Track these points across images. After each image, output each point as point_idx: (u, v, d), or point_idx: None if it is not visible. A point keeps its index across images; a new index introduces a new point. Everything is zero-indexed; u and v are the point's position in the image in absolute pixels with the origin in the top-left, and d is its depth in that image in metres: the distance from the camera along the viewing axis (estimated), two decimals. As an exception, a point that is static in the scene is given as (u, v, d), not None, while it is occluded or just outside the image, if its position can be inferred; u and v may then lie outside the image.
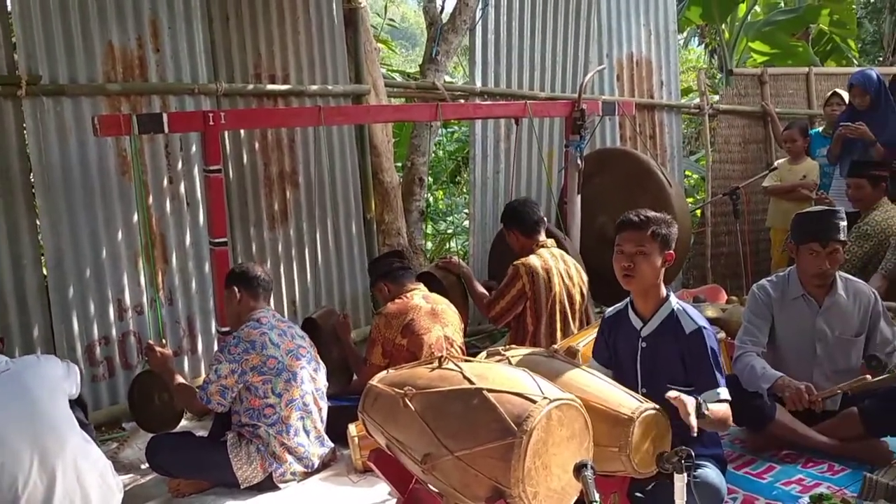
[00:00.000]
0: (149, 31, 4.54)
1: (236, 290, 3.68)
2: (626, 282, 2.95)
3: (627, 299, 3.06)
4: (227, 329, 3.99)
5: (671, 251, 2.94)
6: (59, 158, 4.24)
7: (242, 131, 4.95)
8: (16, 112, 4.12)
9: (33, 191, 4.23)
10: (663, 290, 2.98)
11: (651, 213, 2.95)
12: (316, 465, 3.61)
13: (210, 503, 3.38)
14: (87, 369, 4.34)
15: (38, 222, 4.29)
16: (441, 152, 9.63)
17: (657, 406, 2.61)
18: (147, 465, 3.64)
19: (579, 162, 5.35)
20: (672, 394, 2.59)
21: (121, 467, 3.68)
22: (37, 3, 4.10)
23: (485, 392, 2.50)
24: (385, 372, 2.97)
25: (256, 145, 5.08)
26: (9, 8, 4.07)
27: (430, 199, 8.75)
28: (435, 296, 4.20)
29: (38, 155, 4.18)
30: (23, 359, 3.33)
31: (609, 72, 6.80)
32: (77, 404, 3.28)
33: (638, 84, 7.09)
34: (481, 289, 4.59)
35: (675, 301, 2.98)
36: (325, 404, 3.73)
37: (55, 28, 4.19)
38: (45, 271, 4.33)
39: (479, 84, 6.11)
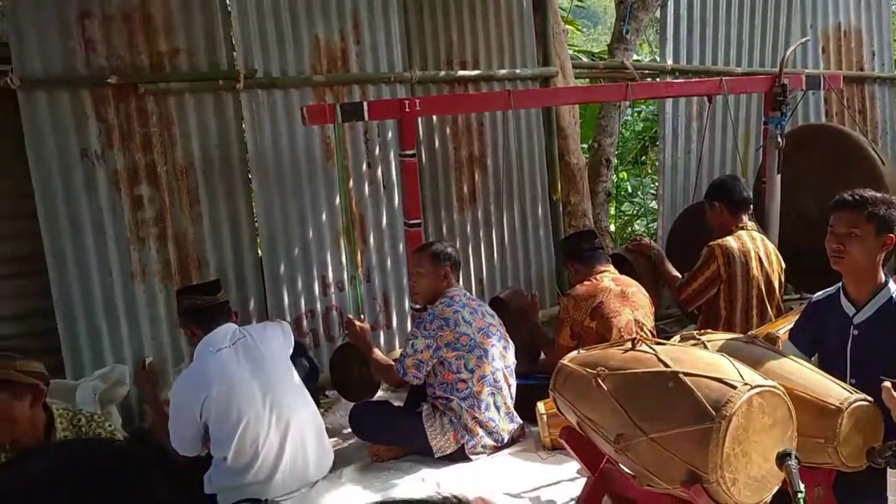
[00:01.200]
0: (350, 24, 4.81)
1: (435, 266, 3.80)
2: (835, 263, 2.80)
3: (839, 284, 2.90)
4: (419, 306, 4.18)
5: (892, 234, 2.75)
6: (271, 146, 4.61)
7: (435, 117, 5.13)
8: (235, 104, 4.52)
9: (249, 177, 4.63)
10: (881, 276, 2.80)
11: (869, 193, 2.77)
12: (505, 440, 3.72)
13: (407, 469, 3.58)
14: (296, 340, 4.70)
15: (253, 206, 4.69)
16: (627, 132, 9.45)
17: (868, 398, 2.47)
18: (349, 430, 3.91)
19: (780, 140, 5.08)
20: (888, 384, 2.44)
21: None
22: (252, 3, 4.47)
23: (681, 375, 2.48)
24: (576, 352, 3.01)
25: (448, 130, 5.25)
26: (229, 8, 4.46)
27: (616, 180, 8.61)
28: (625, 278, 4.17)
29: (254, 143, 4.57)
30: (252, 327, 3.69)
31: (813, 44, 6.39)
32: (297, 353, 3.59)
33: (846, 55, 6.60)
34: (674, 271, 4.50)
35: (894, 287, 2.79)
36: (514, 381, 3.83)
37: (269, 25, 4.54)
38: (259, 250, 4.73)
39: (669, 61, 5.95)
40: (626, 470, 2.73)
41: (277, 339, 3.52)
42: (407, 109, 4.25)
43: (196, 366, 3.35)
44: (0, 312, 4.04)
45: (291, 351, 3.56)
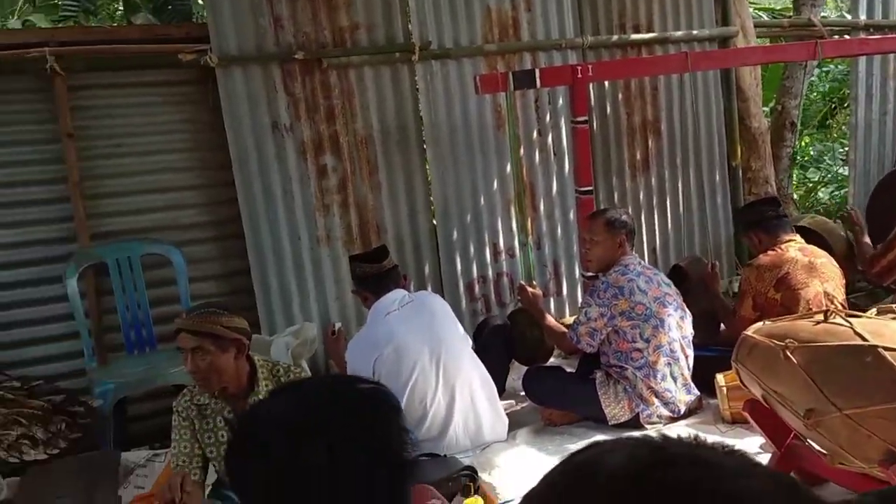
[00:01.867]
0: (522, -9, 4.81)
1: (610, 234, 3.76)
2: None
3: None
4: (591, 274, 4.16)
5: None
6: (444, 116, 4.72)
7: (606, 82, 5.04)
8: (410, 76, 4.65)
9: (424, 146, 4.77)
10: None
11: None
12: (682, 411, 3.65)
13: (580, 434, 3.60)
14: (468, 304, 4.83)
15: (428, 174, 4.83)
16: (813, 94, 8.85)
17: None
18: (523, 393, 3.98)
19: None
20: None
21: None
22: (427, -24, 4.56)
23: (880, 350, 2.35)
24: (760, 323, 2.91)
25: (620, 95, 5.15)
26: (403, -18, 4.58)
27: (799, 145, 8.10)
28: (813, 248, 3.95)
29: (428, 113, 4.69)
30: (420, 292, 3.84)
31: None
32: None
33: None
34: (869, 242, 4.21)
35: None
36: (691, 352, 3.75)
37: (442, -3, 4.63)
38: (433, 218, 4.87)
39: (862, 17, 5.50)
40: (816, 447, 2.63)
41: (442, 304, 3.64)
42: (579, 75, 4.21)
43: (367, 329, 3.55)
44: (206, 272, 4.42)
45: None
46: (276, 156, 4.37)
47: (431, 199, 4.86)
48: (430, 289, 4.62)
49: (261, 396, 2.66)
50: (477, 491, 3.15)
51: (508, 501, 3.08)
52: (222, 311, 2.67)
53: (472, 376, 3.47)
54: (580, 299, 4.93)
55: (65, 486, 3.05)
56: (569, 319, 4.33)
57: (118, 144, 4.26)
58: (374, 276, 3.53)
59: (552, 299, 5.06)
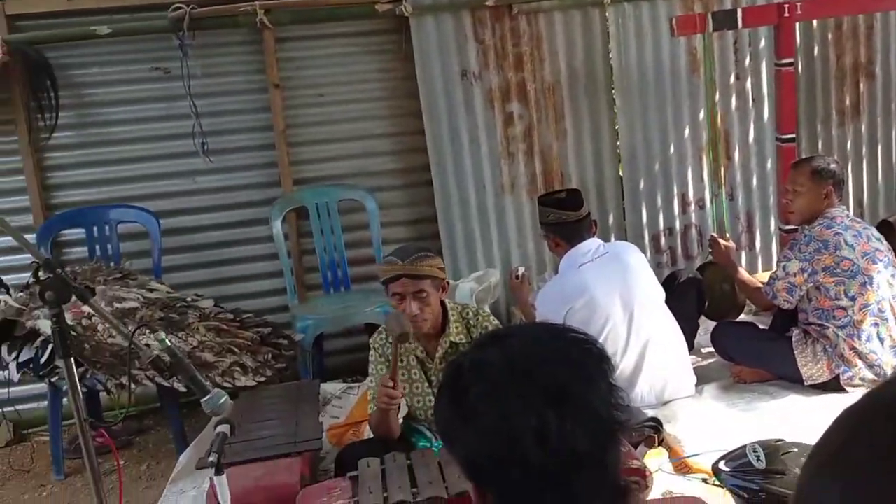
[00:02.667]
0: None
1: (815, 184, 3.51)
2: None
3: None
4: (789, 227, 3.93)
5: None
6: (635, 61, 4.57)
7: (815, 21, 4.67)
8: (601, 20, 4.54)
9: (612, 93, 4.65)
10: None
11: None
12: (888, 374, 3.41)
13: (773, 393, 3.46)
14: (653, 257, 4.71)
15: (615, 121, 4.72)
16: None
17: None
18: (711, 349, 3.87)
19: None
20: None
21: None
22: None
23: None
24: None
25: (829, 36, 4.75)
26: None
27: None
28: None
29: (618, 59, 4.56)
30: (615, 243, 3.78)
31: None
32: None
33: None
34: None
35: None
36: (903, 313, 3.47)
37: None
38: (619, 167, 4.77)
39: None
40: None
41: (639, 257, 3.56)
42: (786, 14, 3.95)
43: (560, 279, 3.53)
44: (396, 218, 4.59)
45: None
46: (464, 104, 4.44)
47: (618, 147, 4.75)
48: (612, 239, 4.55)
49: (452, 338, 2.77)
50: (661, 443, 3.12)
51: (693, 455, 3.03)
52: (432, 254, 2.77)
53: (663, 333, 3.40)
54: (775, 254, 4.69)
55: (273, 409, 3.34)
56: (763, 276, 4.12)
57: (319, 94, 4.48)
58: (569, 224, 3.48)
59: (744, 254, 4.83)
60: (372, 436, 2.97)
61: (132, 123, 4.35)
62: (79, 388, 2.09)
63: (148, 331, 3.17)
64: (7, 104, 4.15)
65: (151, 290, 3.87)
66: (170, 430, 3.89)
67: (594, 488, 0.99)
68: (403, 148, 4.60)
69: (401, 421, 2.95)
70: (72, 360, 2.03)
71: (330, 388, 4.03)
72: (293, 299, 4.32)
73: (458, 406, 1.02)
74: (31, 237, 4.14)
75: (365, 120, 4.55)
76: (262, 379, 3.76)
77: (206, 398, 2.05)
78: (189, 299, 3.92)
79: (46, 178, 4.29)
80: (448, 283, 2.76)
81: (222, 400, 2.06)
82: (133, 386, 3.48)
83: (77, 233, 4.24)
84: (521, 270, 4.09)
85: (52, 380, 3.57)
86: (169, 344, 2.08)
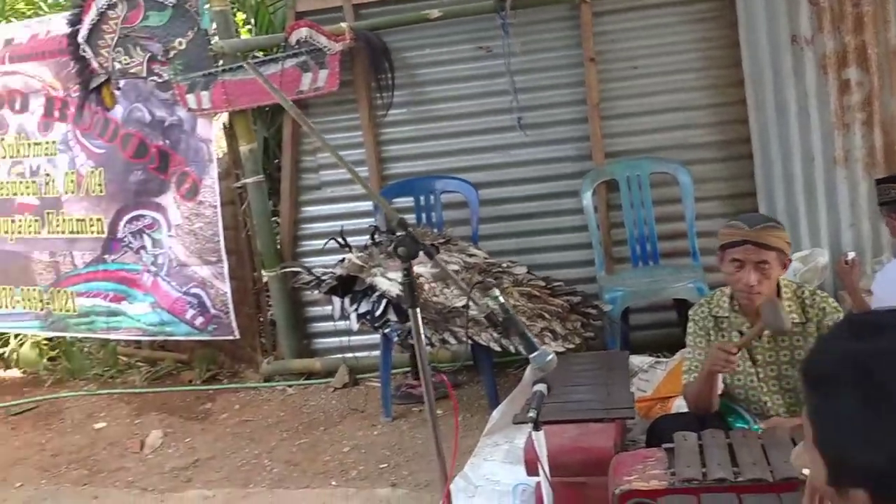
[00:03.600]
0: None
1: None
2: None
3: None
4: None
5: None
6: None
7: None
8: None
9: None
10: None
11: None
12: None
13: None
14: None
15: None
16: None
17: None
18: None
19: None
20: None
21: None
22: None
23: None
24: None
25: None
26: None
27: None
28: None
29: None
30: None
31: None
32: None
33: None
34: None
35: None
36: None
37: None
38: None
39: None
40: None
41: None
42: None
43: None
44: (710, 192, 4.42)
45: None
46: (792, 71, 4.14)
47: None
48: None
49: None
50: None
51: None
52: (781, 225, 2.63)
53: None
54: None
55: (584, 376, 3.40)
56: None
57: (634, 66, 4.45)
58: None
59: None
60: (684, 410, 2.91)
61: (456, 101, 4.66)
62: (422, 333, 2.29)
63: (478, 291, 3.39)
64: (351, 85, 4.65)
65: (470, 255, 4.14)
66: (482, 387, 4.15)
67: None
68: (722, 119, 4.41)
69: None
70: (418, 309, 2.23)
71: (637, 360, 4.02)
72: (601, 271, 4.36)
73: (879, 404, 0.94)
74: (367, 205, 4.65)
75: (681, 91, 4.43)
76: (571, 346, 3.85)
77: (534, 354, 2.15)
78: (504, 265, 4.13)
79: (382, 151, 4.74)
80: (790, 259, 2.60)
81: (549, 357, 2.16)
82: (453, 342, 3.76)
83: (407, 201, 4.64)
84: (852, 255, 3.74)
85: (385, 331, 3.96)
86: (503, 301, 2.22)
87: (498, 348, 3.72)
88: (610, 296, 4.08)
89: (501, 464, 3.37)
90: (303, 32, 4.42)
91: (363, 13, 4.66)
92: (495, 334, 3.71)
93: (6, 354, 6.31)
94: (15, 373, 6.10)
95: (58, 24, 4.94)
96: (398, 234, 2.17)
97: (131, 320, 5.04)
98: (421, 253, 2.16)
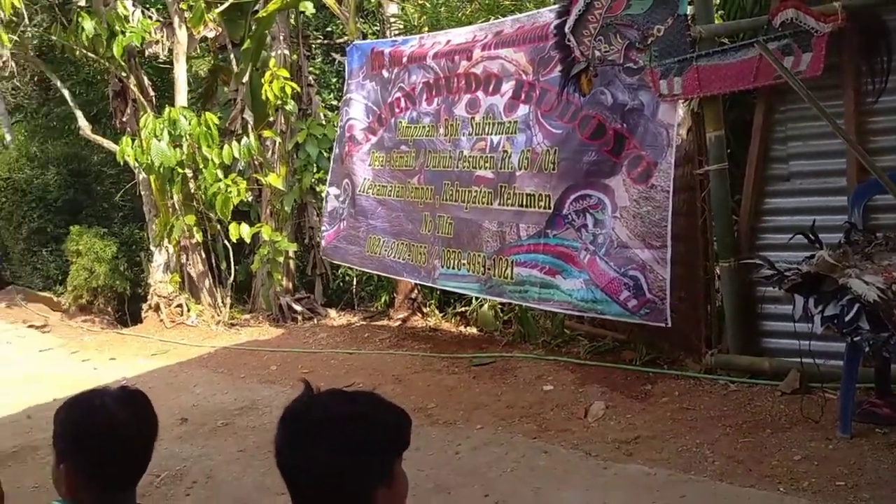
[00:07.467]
0: None
1: None
2: None
3: None
4: None
5: None
6: None
7: None
8: None
9: None
10: None
11: None
12: None
13: None
14: None
15: None
16: None
17: None
18: None
19: None
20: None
21: None
22: None
23: None
24: None
25: None
26: None
27: None
28: None
29: None
30: None
31: None
32: None
33: None
34: None
35: None
36: None
37: None
38: None
39: None
40: None
41: None
42: None
43: None
44: None
45: None
46: None
47: None
48: None
49: None
50: None
51: None
52: None
53: None
54: None
55: None
56: None
57: None
58: None
59: None
60: None
61: None
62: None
63: None
64: (836, 69, 4.27)
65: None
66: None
67: None
68: None
69: None
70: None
71: None
72: None
73: None
74: (842, 200, 4.26)
75: None
76: None
77: None
78: None
79: (866, 141, 4.28)
80: None
81: None
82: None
83: (889, 199, 4.14)
84: None
85: (855, 339, 3.59)
86: None
87: None
88: None
89: None
90: (789, 14, 4.18)
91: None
92: None
93: (468, 313, 7.17)
94: (473, 330, 6.91)
95: (545, 16, 5.37)
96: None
97: (563, 294, 5.22)
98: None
